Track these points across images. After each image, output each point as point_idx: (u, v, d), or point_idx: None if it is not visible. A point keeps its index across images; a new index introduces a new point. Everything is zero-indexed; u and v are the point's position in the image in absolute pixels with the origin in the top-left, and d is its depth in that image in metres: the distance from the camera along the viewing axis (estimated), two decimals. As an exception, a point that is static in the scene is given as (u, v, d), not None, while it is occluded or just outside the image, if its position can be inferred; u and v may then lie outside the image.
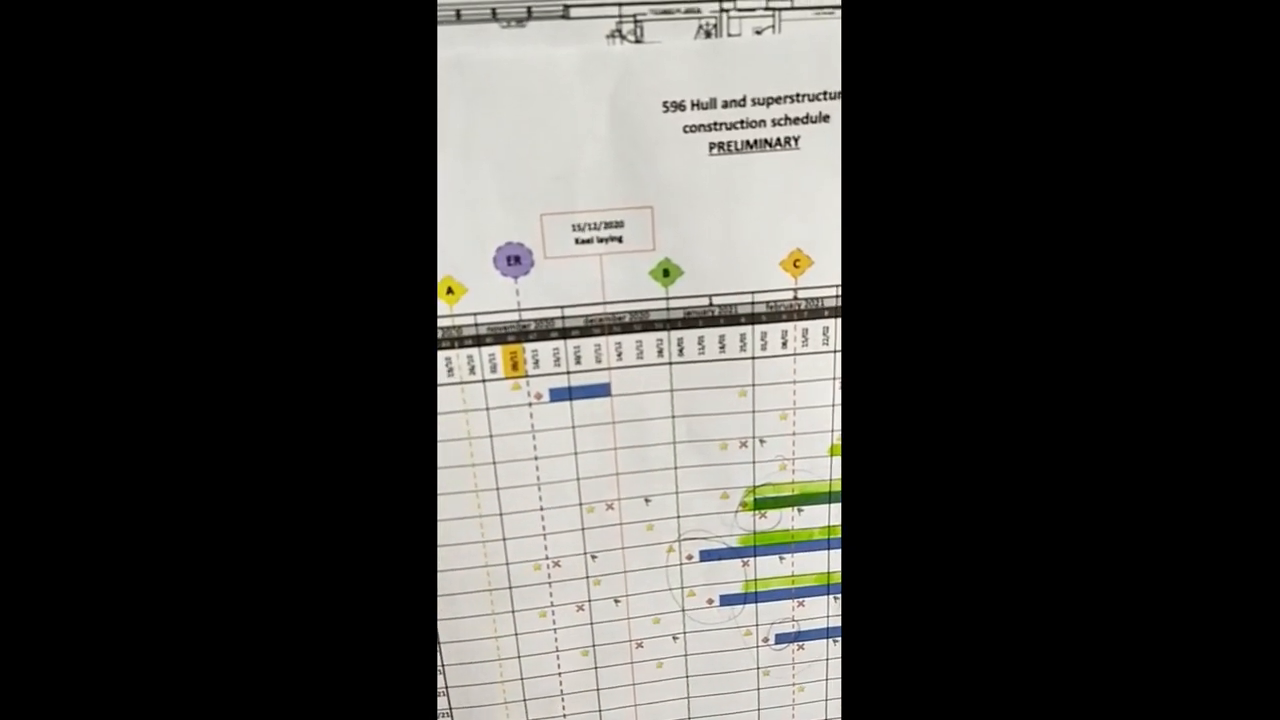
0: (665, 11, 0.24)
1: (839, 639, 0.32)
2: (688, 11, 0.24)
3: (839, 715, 0.33)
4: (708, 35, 0.25)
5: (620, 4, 0.24)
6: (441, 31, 0.24)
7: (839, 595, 0.32)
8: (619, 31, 0.24)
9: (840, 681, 0.33)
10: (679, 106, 0.25)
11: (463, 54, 0.24)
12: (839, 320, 0.28)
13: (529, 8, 0.24)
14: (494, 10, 0.24)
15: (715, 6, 0.24)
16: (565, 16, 0.24)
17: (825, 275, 0.27)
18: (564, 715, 0.32)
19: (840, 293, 0.28)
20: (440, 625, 0.30)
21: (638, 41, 0.25)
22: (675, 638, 0.31)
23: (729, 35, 0.25)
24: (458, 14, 0.24)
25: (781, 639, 0.32)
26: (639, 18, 0.24)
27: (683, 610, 0.31)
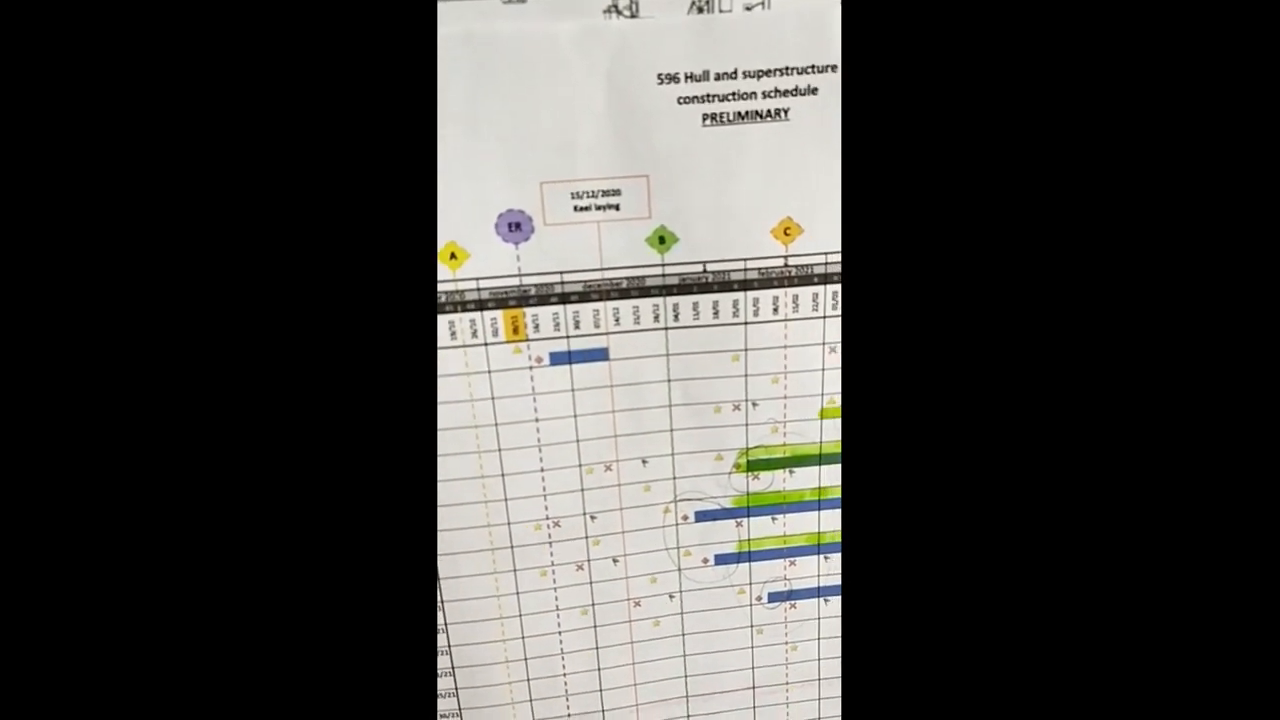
0: (660, -13, 0.26)
1: (830, 598, 0.33)
2: (681, -13, 0.26)
3: (831, 674, 0.34)
4: (700, 10, 0.26)
5: (617, -20, 0.25)
6: (446, 7, 0.25)
7: (829, 555, 0.33)
8: (615, 6, 0.26)
9: (837, 641, 0.34)
10: (673, 79, 0.26)
11: (467, 29, 0.25)
12: (829, 286, 0.29)
13: (529, -17, 0.25)
14: (496, -14, 0.25)
15: (708, -17, 0.26)
16: (564, -8, 0.25)
17: (815, 243, 0.28)
18: (564, 673, 0.33)
19: (828, 260, 0.29)
20: (442, 584, 0.31)
21: (633, 16, 0.26)
22: (671, 596, 0.33)
23: (720, 10, 0.26)
24: (461, -11, 0.25)
25: (774, 598, 0.33)
26: (635, -7, 0.26)
27: (679, 570, 0.32)
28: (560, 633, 0.32)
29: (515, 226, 0.27)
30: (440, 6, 0.25)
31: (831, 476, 0.32)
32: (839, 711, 0.35)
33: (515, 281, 0.28)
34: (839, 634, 0.34)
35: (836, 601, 0.33)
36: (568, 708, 0.33)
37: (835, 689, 0.34)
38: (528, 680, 0.32)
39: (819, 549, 0.33)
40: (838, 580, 0.33)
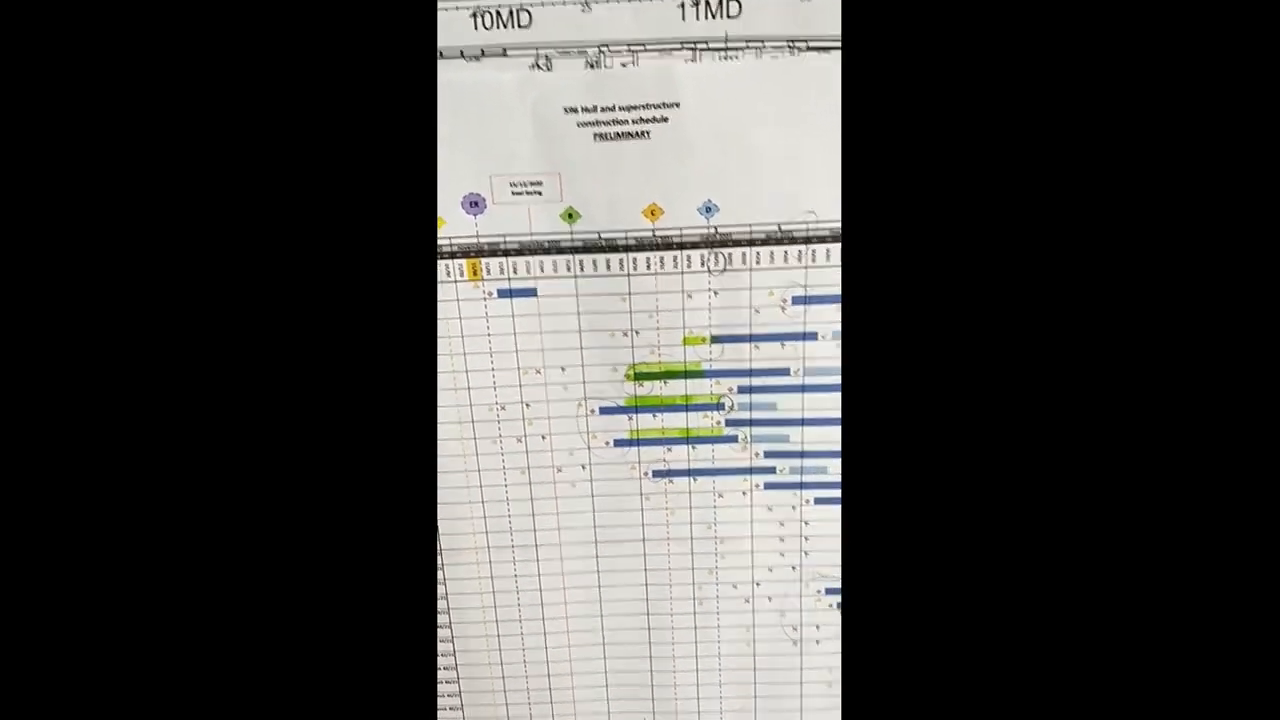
0: (565, 52, 0.40)
1: (698, 478, 0.46)
2: (579, 52, 0.39)
3: (700, 534, 0.47)
4: (592, 67, 0.40)
5: (538, 47, 0.39)
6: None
7: (696, 446, 0.46)
8: (538, 64, 0.40)
9: (703, 510, 0.47)
10: (574, 110, 0.40)
11: (444, 78, 0.40)
12: (684, 251, 0.42)
13: (482, 48, 0.40)
14: (462, 51, 0.40)
15: (596, 49, 0.39)
16: (504, 54, 0.40)
17: (673, 221, 0.42)
18: (509, 515, 0.47)
19: (683, 232, 0.42)
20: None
21: (549, 70, 0.40)
22: (583, 467, 0.46)
23: (605, 67, 0.40)
24: (440, 53, 0.40)
25: (657, 474, 0.46)
26: (549, 55, 0.40)
27: (589, 448, 0.46)
28: (506, 485, 0.47)
29: (474, 204, 0.42)
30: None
31: (693, 388, 0.45)
32: (707, 564, 0.48)
33: (474, 241, 0.42)
34: (704, 505, 0.47)
35: (703, 480, 0.46)
36: (512, 540, 0.47)
37: (703, 547, 0.47)
38: (484, 518, 0.47)
39: (688, 440, 0.46)
40: (703, 465, 0.46)
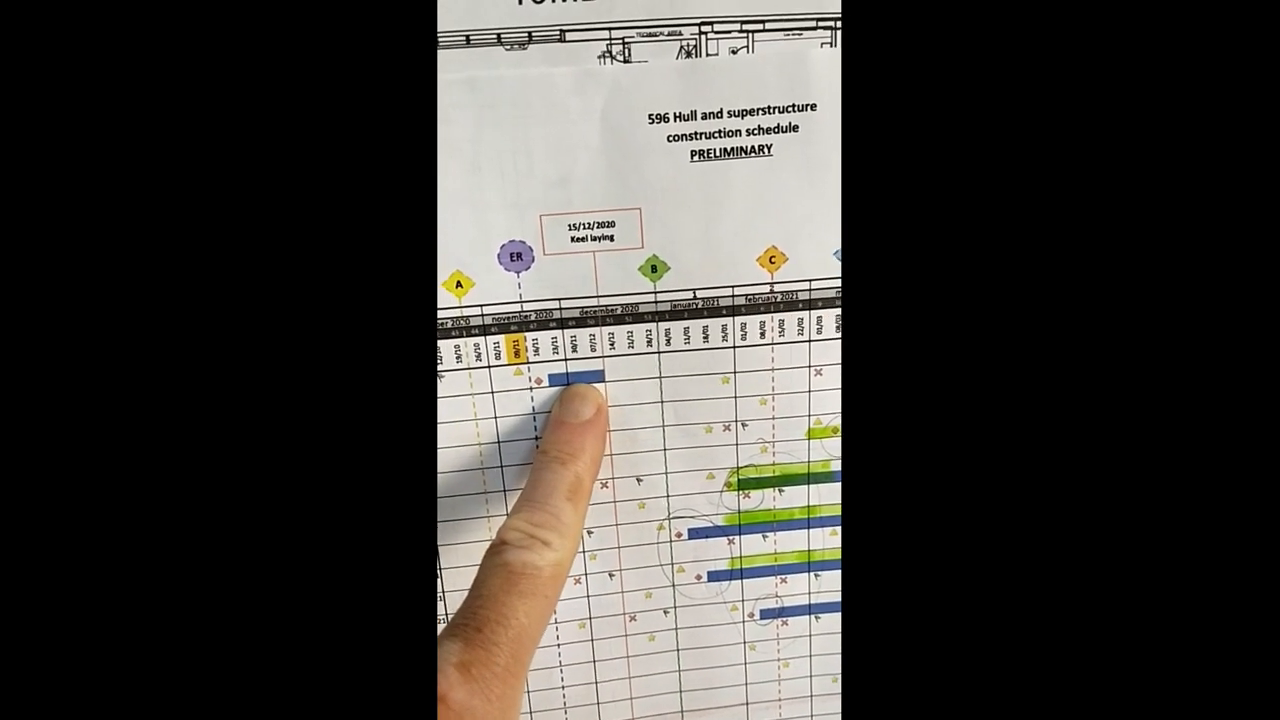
0: (650, 34, 0.28)
1: (821, 615, 0.34)
2: (670, 34, 0.28)
3: (822, 690, 0.35)
4: (688, 55, 0.28)
5: (610, 28, 0.27)
6: (452, 55, 0.27)
7: (819, 573, 0.34)
8: (609, 52, 0.28)
9: (828, 658, 0.35)
10: (663, 118, 0.28)
11: (471, 76, 0.27)
12: (813, 312, 0.31)
13: (529, 32, 0.27)
14: (499, 35, 0.27)
15: (695, 29, 0.28)
16: (561, 40, 0.27)
17: (799, 271, 0.30)
18: (562, 686, 0.34)
19: (812, 286, 0.30)
20: (446, 599, 0.32)
21: (625, 61, 0.28)
22: (666, 612, 0.34)
23: (707, 54, 0.28)
24: (467, 39, 0.27)
25: (766, 614, 0.34)
26: (627, 40, 0.28)
27: (673, 585, 0.33)
28: (559, 645, 0.33)
29: (517, 256, 0.29)
30: (446, 55, 0.27)
31: (819, 495, 0.33)
32: (832, 729, 0.36)
33: (517, 308, 0.30)
34: (830, 651, 0.35)
35: (828, 619, 0.34)
36: (566, 720, 0.34)
37: (827, 706, 0.35)
38: (527, 692, 0.34)
39: (809, 566, 0.34)
40: (828, 598, 0.34)
